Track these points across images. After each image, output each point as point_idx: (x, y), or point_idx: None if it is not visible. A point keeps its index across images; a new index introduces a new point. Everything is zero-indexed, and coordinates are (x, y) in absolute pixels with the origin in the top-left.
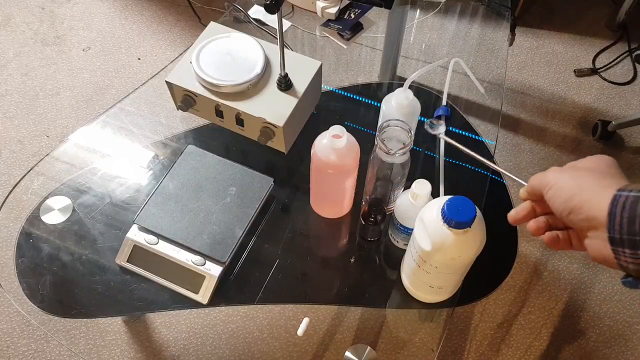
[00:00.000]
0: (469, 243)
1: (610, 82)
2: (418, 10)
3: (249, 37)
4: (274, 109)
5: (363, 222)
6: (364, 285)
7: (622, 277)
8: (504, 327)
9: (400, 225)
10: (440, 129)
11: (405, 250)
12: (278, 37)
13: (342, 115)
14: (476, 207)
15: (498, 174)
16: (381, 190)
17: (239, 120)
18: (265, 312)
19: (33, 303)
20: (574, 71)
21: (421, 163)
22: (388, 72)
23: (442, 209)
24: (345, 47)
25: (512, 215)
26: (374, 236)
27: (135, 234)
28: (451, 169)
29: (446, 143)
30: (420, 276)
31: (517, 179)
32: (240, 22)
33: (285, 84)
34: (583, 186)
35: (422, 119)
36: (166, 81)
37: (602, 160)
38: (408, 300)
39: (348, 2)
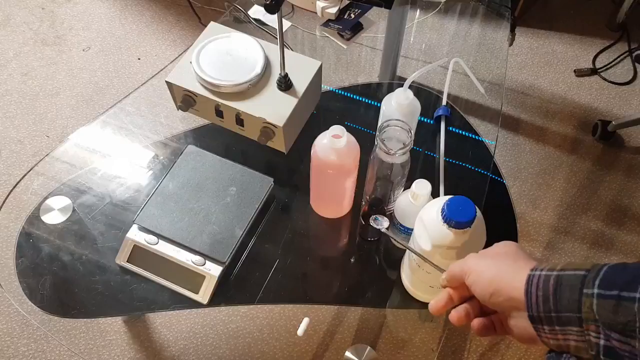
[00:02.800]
0: (469, 243)
1: (610, 82)
2: (418, 10)
3: (249, 37)
4: (274, 109)
5: (363, 222)
6: (364, 285)
7: (546, 352)
8: None
9: (400, 225)
10: (384, 224)
11: (405, 250)
12: (278, 37)
13: (342, 115)
14: (476, 207)
15: (498, 173)
16: (381, 190)
17: (239, 120)
18: (265, 312)
19: (33, 303)
20: (574, 71)
21: (421, 163)
22: (388, 72)
23: (442, 209)
24: (345, 47)
25: (432, 305)
26: (374, 236)
27: (135, 234)
28: (451, 169)
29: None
30: (420, 276)
31: (436, 266)
32: (240, 22)
33: (285, 84)
34: (501, 269)
35: (422, 119)
36: (166, 81)
37: (512, 245)
38: (408, 300)
39: (348, 2)
